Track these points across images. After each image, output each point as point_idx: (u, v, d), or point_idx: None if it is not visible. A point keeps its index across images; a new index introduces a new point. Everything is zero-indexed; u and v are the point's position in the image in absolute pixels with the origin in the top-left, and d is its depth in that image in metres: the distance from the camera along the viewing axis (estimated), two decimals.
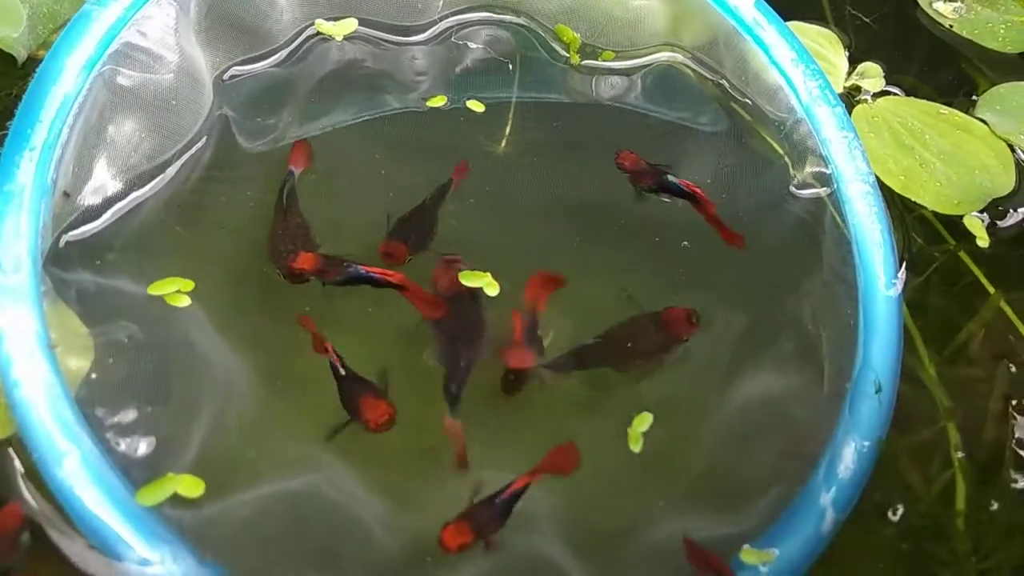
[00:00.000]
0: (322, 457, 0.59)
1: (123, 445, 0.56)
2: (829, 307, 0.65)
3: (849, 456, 0.56)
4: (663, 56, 0.80)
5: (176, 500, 0.53)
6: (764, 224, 0.71)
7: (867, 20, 0.88)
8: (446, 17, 0.80)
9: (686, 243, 0.69)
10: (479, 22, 0.81)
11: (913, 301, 0.70)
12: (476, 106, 0.74)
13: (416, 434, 0.61)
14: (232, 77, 0.75)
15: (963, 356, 0.69)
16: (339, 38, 0.77)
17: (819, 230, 0.69)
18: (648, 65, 0.81)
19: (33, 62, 0.70)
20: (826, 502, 0.54)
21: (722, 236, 0.68)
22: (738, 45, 0.73)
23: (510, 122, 0.76)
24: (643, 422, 0.60)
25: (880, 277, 0.62)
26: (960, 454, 0.63)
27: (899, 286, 0.63)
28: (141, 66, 0.65)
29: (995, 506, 0.62)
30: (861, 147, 0.68)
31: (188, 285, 0.62)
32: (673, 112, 0.79)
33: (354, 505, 0.58)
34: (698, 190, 0.68)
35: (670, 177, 0.69)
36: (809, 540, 0.53)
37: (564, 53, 0.80)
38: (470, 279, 0.63)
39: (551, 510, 0.58)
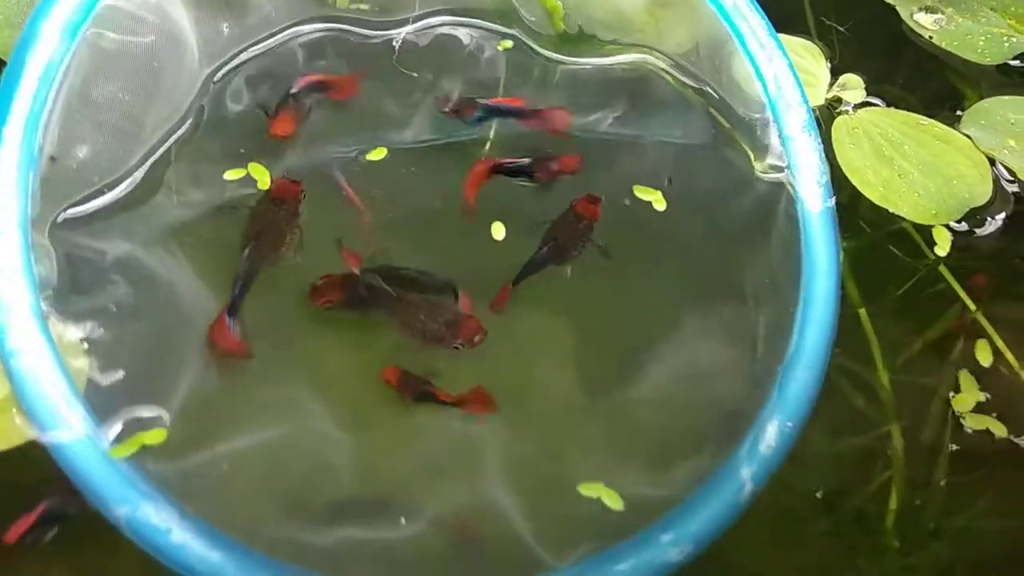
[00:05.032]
0: (298, 401, 0.67)
1: (112, 406, 0.61)
2: (773, 288, 0.72)
3: (772, 434, 0.62)
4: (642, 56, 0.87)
5: (158, 456, 0.60)
6: (721, 208, 0.78)
7: (851, 33, 0.94)
8: (421, 18, 0.86)
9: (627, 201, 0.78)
10: (456, 25, 0.87)
11: (879, 310, 0.76)
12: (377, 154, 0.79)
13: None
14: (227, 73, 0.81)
15: (920, 363, 0.74)
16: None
17: (771, 219, 0.75)
18: (626, 64, 0.87)
19: None
20: (746, 476, 0.60)
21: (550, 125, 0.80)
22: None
23: (493, 126, 0.82)
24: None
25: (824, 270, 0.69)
26: (899, 455, 0.69)
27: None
28: (127, 29, 0.69)
29: (924, 506, 0.68)
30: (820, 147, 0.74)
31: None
32: (646, 108, 0.85)
33: (327, 448, 0.65)
34: (514, 102, 0.80)
35: (482, 101, 0.81)
36: (727, 507, 0.59)
37: (544, 52, 0.86)
38: None
39: (501, 444, 0.66)
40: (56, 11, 0.63)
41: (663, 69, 0.86)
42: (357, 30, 0.85)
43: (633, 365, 0.70)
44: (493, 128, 0.81)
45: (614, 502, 0.63)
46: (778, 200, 0.74)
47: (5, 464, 0.62)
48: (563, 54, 0.87)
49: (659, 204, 0.77)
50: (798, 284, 0.67)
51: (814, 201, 0.71)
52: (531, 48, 0.87)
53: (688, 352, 0.71)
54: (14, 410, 0.60)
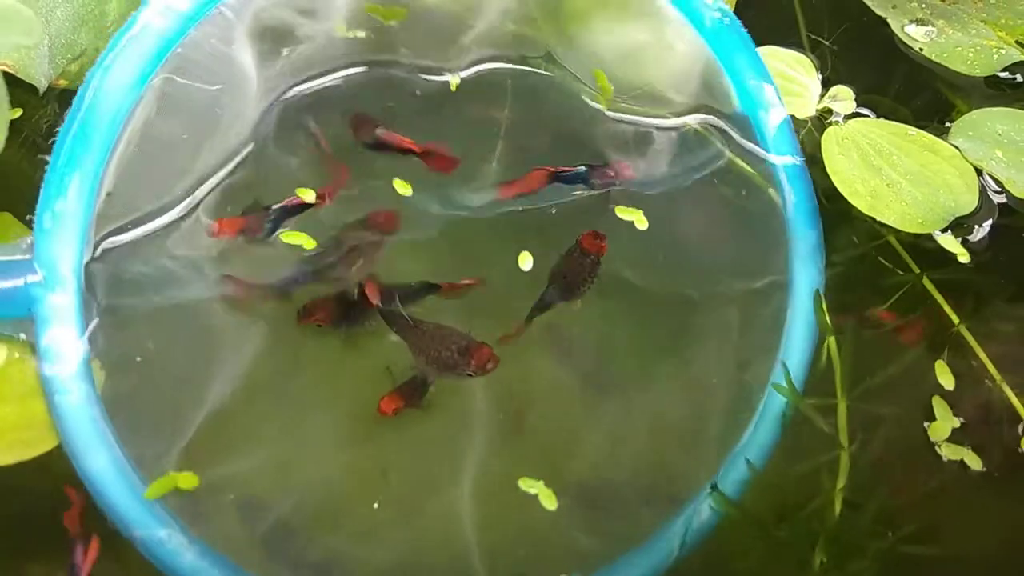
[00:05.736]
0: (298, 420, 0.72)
1: (138, 442, 0.65)
2: (742, 367, 0.76)
3: (708, 510, 0.68)
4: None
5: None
6: (716, 276, 0.81)
7: (842, 45, 0.95)
8: (474, 64, 0.88)
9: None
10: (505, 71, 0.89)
11: (855, 328, 0.79)
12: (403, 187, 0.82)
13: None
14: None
15: (893, 384, 0.77)
16: None
17: (762, 304, 0.79)
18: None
19: (52, 91, 0.78)
20: (678, 541, 0.67)
21: (437, 165, 0.81)
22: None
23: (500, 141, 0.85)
24: None
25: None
26: (844, 476, 0.72)
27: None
28: (193, 76, 0.71)
29: (859, 527, 0.71)
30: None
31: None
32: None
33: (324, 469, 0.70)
34: (402, 141, 0.80)
35: (379, 131, 0.81)
36: (657, 566, 0.67)
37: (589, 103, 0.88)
38: None
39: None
40: (129, 60, 0.64)
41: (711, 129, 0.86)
42: (405, 75, 0.87)
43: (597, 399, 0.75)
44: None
45: (550, 503, 0.67)
46: (772, 296, 0.77)
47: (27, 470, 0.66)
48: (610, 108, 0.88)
49: (641, 224, 0.80)
50: (768, 376, 0.72)
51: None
52: (575, 95, 0.88)
53: (651, 405, 0.74)
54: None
